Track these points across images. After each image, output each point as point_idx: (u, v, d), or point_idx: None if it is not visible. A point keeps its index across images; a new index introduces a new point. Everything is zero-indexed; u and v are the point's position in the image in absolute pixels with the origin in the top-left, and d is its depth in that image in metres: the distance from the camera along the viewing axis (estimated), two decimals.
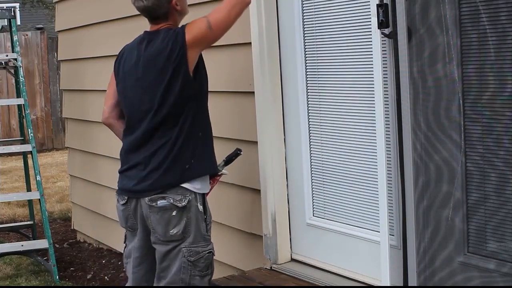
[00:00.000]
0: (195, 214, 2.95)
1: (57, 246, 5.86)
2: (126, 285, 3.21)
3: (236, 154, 3.32)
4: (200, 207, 2.97)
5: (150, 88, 2.96)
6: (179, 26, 3.00)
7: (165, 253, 2.97)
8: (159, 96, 2.93)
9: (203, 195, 3.01)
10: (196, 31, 2.93)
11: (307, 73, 3.38)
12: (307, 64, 3.38)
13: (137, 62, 3.01)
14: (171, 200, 2.91)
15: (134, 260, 3.13)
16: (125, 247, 3.20)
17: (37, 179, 5.06)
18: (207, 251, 3.00)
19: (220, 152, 3.44)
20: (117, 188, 3.12)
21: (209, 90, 3.76)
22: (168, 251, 2.97)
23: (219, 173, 3.23)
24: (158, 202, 2.93)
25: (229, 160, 3.31)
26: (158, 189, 2.93)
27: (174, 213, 2.92)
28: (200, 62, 3.00)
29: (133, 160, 3.03)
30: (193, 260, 2.95)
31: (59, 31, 5.99)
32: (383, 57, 2.73)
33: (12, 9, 5.41)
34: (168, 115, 2.93)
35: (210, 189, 3.18)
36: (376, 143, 2.76)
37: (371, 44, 2.73)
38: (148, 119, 2.96)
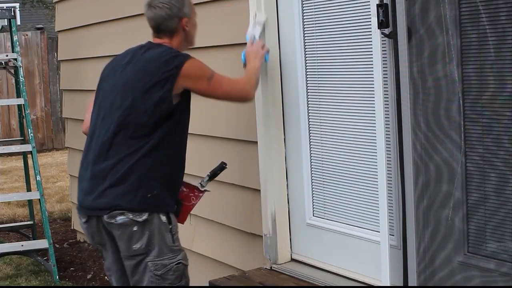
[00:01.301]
0: (158, 226, 2.85)
1: (57, 246, 5.86)
2: None
3: (221, 167, 3.27)
4: (163, 218, 2.87)
5: (128, 87, 2.91)
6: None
7: (133, 268, 2.90)
8: (132, 97, 2.87)
9: None
10: (196, 69, 2.93)
11: (307, 73, 3.38)
12: (307, 64, 3.38)
13: (129, 61, 2.99)
14: (131, 216, 2.81)
15: (115, 273, 3.07)
16: (104, 261, 3.15)
17: (37, 179, 5.06)
18: (175, 263, 2.89)
19: (220, 152, 3.44)
20: (77, 202, 3.02)
21: None
22: (135, 266, 2.89)
23: (202, 190, 3.18)
24: (117, 218, 2.82)
25: (214, 175, 3.25)
26: (116, 207, 2.82)
27: (135, 228, 2.82)
28: (185, 100, 2.94)
29: (93, 170, 2.90)
30: (160, 273, 2.86)
31: (59, 31, 5.99)
32: (383, 57, 2.73)
33: (12, 9, 5.42)
34: (135, 123, 2.84)
35: (193, 206, 3.15)
36: (376, 143, 2.76)
37: (371, 44, 2.73)
38: (116, 117, 2.87)
